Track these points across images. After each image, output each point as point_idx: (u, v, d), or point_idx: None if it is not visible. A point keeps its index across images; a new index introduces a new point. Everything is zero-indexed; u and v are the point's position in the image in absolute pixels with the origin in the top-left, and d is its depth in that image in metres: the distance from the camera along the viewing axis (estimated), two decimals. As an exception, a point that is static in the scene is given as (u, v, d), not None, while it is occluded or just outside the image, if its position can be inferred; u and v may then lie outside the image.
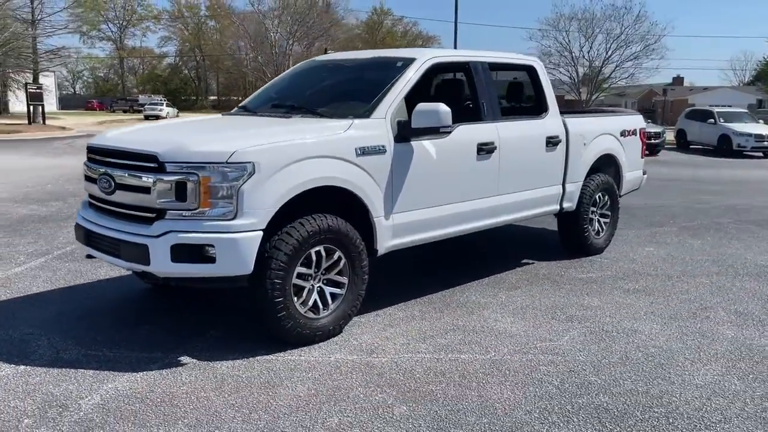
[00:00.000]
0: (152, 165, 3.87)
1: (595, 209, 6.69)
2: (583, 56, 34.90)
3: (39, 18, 32.77)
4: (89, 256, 4.47)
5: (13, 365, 3.81)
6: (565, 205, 6.26)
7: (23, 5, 31.36)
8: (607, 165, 6.86)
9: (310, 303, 4.20)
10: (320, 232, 4.10)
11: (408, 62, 4.95)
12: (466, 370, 3.83)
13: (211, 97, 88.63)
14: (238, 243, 3.78)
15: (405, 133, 4.54)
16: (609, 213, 6.89)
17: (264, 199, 3.85)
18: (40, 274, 5.71)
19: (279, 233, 3.97)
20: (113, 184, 4.09)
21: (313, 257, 4.15)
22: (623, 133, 6.93)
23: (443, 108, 4.51)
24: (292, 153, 4.00)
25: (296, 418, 3.22)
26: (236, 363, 3.88)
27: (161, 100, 54.03)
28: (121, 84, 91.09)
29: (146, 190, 3.89)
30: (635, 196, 9.00)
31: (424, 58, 5.00)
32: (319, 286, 4.26)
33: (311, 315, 4.19)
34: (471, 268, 6.08)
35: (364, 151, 4.33)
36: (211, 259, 3.78)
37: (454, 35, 30.66)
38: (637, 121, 7.25)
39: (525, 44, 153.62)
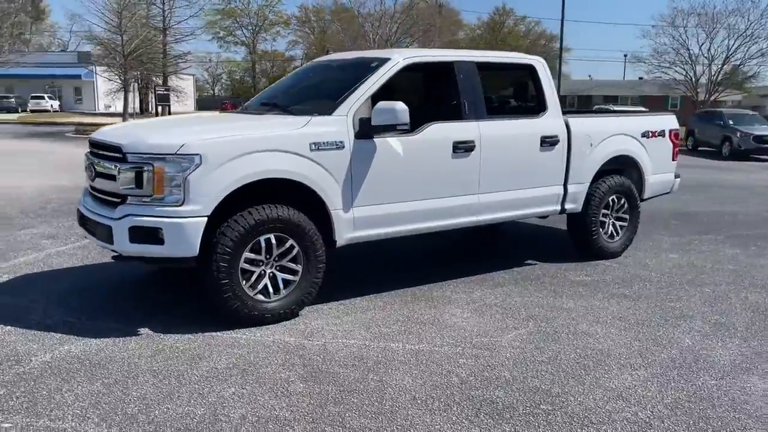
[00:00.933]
0: (118, 155, 4.37)
1: (608, 212, 6.50)
2: (702, 54, 32.61)
3: (168, 26, 35.74)
4: (85, 237, 5.07)
5: (2, 325, 4.44)
6: (568, 206, 6.15)
7: (156, 14, 34.35)
8: (626, 167, 6.64)
9: (260, 287, 4.51)
10: (269, 221, 4.41)
11: (382, 63, 5.14)
12: (384, 357, 3.99)
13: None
14: (183, 227, 4.18)
15: (366, 130, 4.74)
16: (626, 217, 6.66)
17: (209, 188, 4.21)
18: (78, 252, 6.44)
19: (228, 221, 4.32)
20: (94, 172, 4.63)
21: (263, 244, 4.46)
22: (646, 135, 6.66)
23: (400, 106, 4.66)
24: (239, 147, 4.34)
25: (198, 387, 3.55)
26: (183, 337, 4.28)
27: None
28: (253, 86, 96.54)
29: (113, 177, 4.39)
30: (702, 203, 8.57)
31: (397, 59, 5.16)
32: (272, 272, 4.57)
33: (261, 298, 4.51)
34: (464, 266, 6.14)
35: (318, 146, 4.59)
36: (162, 241, 4.21)
37: (560, 33, 29.87)
38: (664, 122, 6.93)
39: (637, 42, 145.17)
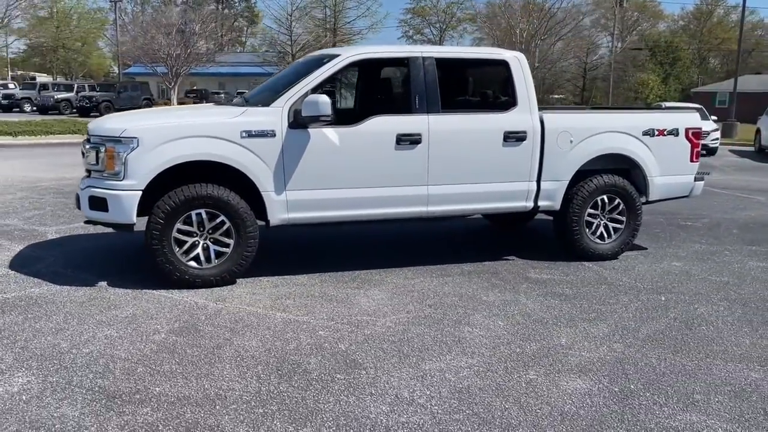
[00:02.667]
0: (88, 137, 5.30)
1: (597, 212, 6.27)
2: None
3: (338, 26, 38.09)
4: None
5: (6, 269, 5.59)
6: (543, 203, 6.07)
7: (328, 16, 36.83)
8: (632, 167, 6.34)
9: (192, 255, 5.19)
10: (198, 198, 5.07)
11: (330, 59, 5.55)
12: (258, 323, 4.46)
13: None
14: (120, 198, 4.99)
15: (300, 120, 5.20)
16: (622, 219, 6.36)
17: (144, 167, 4.97)
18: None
19: (163, 196, 5.06)
20: (82, 152, 5.63)
21: (194, 218, 5.13)
22: (649, 133, 6.30)
23: (322, 99, 5.07)
24: (172, 132, 5.05)
25: (87, 327, 4.31)
26: (124, 291, 5.09)
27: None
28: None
29: (84, 155, 5.34)
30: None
31: (346, 56, 5.54)
32: (206, 244, 5.23)
33: (193, 265, 5.19)
34: (438, 256, 6.31)
35: (249, 134, 5.15)
36: (107, 209, 5.06)
37: (741, 18, 27.12)
38: (678, 120, 6.46)
39: None
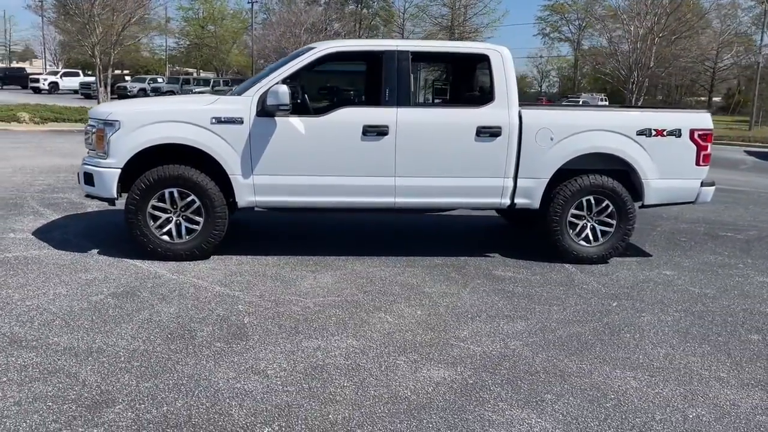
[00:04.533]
0: (89, 120, 5.96)
1: (582, 213, 6.05)
2: None
3: (456, 24, 38.09)
4: None
5: (28, 233, 6.41)
6: (520, 201, 5.96)
7: (445, 14, 36.97)
8: (620, 167, 6.07)
9: (165, 230, 5.68)
10: (170, 177, 5.55)
11: (305, 51, 5.83)
12: (191, 294, 4.84)
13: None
14: (102, 174, 5.57)
15: (266, 109, 5.52)
16: (612, 221, 6.09)
17: (124, 147, 5.52)
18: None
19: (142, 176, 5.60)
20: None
21: (167, 196, 5.62)
22: (645, 133, 5.97)
23: (282, 89, 5.35)
24: (150, 117, 5.56)
25: (45, 285, 4.90)
26: (104, 258, 5.69)
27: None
28: (574, 83, 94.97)
29: (84, 135, 6.00)
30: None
31: (319, 49, 5.79)
32: (179, 220, 5.70)
33: (166, 239, 5.68)
34: (420, 248, 6.38)
35: (219, 121, 5.55)
36: (94, 184, 5.68)
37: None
38: (682, 120, 6.06)
39: None
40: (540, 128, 5.83)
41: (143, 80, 43.16)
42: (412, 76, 5.78)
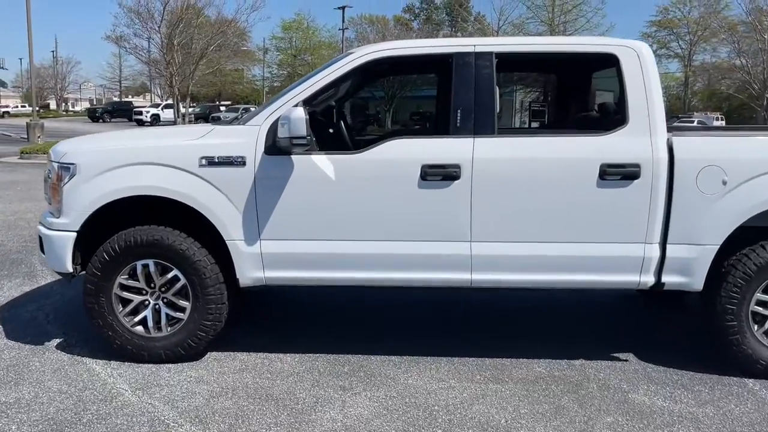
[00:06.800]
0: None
1: (774, 299, 3.81)
2: None
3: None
4: None
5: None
6: (670, 279, 3.79)
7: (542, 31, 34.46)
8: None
9: (139, 318, 3.96)
10: (143, 244, 3.83)
11: (340, 59, 3.99)
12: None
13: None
14: (52, 240, 3.93)
15: (278, 144, 3.69)
16: (824, 312, 3.79)
17: (80, 201, 3.86)
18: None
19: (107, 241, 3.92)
20: None
21: (140, 270, 3.90)
22: None
23: (296, 114, 3.52)
24: (116, 158, 3.87)
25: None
26: (56, 357, 4.04)
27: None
28: (684, 102, 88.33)
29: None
30: None
31: (360, 54, 3.92)
32: (157, 305, 3.96)
33: (140, 331, 3.96)
34: (491, 340, 4.32)
35: (211, 162, 3.78)
36: (44, 251, 4.05)
37: None
38: None
39: None
40: (705, 165, 3.66)
41: (236, 110, 43.41)
42: (497, 89, 3.80)
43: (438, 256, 3.79)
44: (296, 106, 3.61)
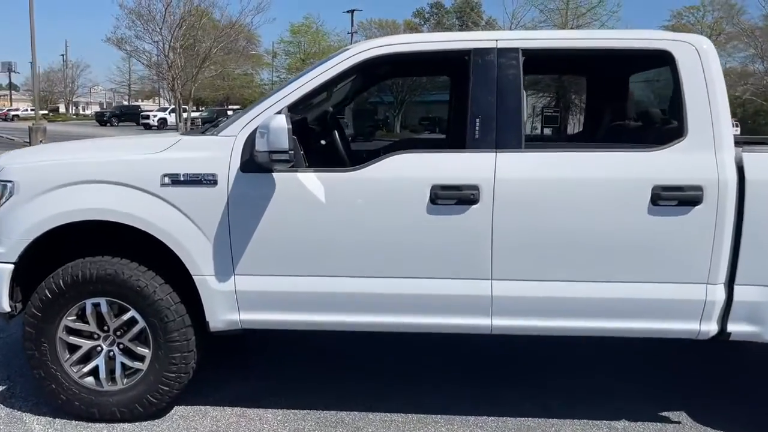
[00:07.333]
0: None
1: None
2: None
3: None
4: None
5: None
6: (738, 327, 3.07)
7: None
8: None
9: (89, 368, 3.29)
10: (91, 280, 3.16)
11: (335, 56, 3.30)
12: None
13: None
14: (-16, 273, 3.26)
15: (255, 158, 3.01)
16: None
17: (17, 227, 3.20)
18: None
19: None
20: None
21: (89, 310, 3.23)
22: None
23: (276, 123, 2.83)
24: (62, 174, 3.20)
25: None
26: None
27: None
28: None
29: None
30: None
31: (359, 49, 3.24)
32: (112, 351, 3.29)
33: (90, 383, 3.29)
34: (534, 386, 3.62)
35: (174, 180, 3.11)
36: (-23, 286, 3.38)
37: None
38: None
39: None
40: (786, 187, 2.94)
41: (244, 114, 42.93)
42: (524, 94, 3.10)
43: (450, 297, 3.10)
44: (279, 112, 2.93)
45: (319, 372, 3.94)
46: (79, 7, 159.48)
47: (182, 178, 3.10)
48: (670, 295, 3.04)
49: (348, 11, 46.49)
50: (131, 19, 24.61)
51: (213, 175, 3.09)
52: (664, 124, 3.56)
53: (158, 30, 21.39)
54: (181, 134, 3.50)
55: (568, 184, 3.01)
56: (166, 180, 3.10)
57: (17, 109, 69.61)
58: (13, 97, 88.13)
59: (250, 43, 43.67)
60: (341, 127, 3.82)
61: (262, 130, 2.87)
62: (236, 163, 3.09)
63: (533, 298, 3.08)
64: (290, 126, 2.83)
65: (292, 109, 3.14)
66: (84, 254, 3.25)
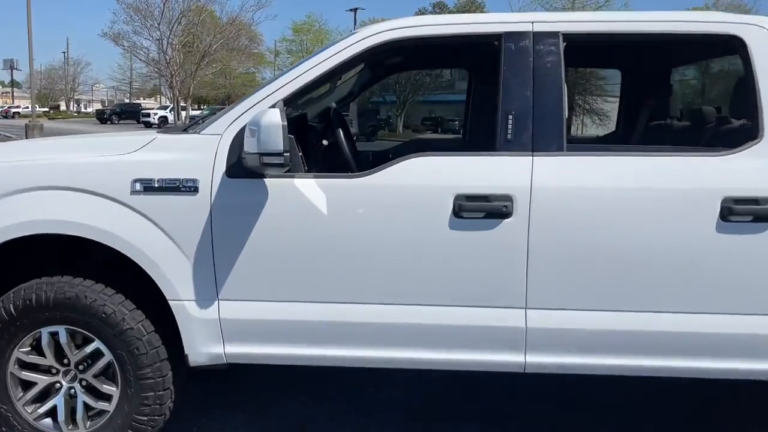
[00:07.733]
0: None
1: None
2: None
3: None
4: None
5: None
6: (823, 365, 2.56)
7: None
8: None
9: (46, 408, 2.78)
10: (48, 305, 2.66)
11: (338, 42, 2.79)
12: None
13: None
14: (-77, 295, 2.76)
15: (243, 162, 2.49)
16: None
17: (-37, 240, 2.69)
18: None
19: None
20: None
21: (45, 341, 2.72)
22: None
23: (269, 119, 2.33)
24: (13, 178, 2.70)
25: None
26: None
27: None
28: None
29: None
30: None
31: (366, 33, 2.73)
32: (71, 389, 2.78)
33: (47, 426, 2.80)
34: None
35: (147, 187, 2.60)
36: None
37: None
38: None
39: None
40: None
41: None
42: (565, 86, 2.59)
43: (476, 329, 2.59)
44: (273, 107, 2.42)
45: (313, 411, 3.42)
46: (82, 5, 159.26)
47: (156, 185, 2.59)
48: (740, 329, 2.54)
49: (351, 9, 45.97)
50: (129, 14, 24.17)
51: (193, 180, 2.58)
52: (720, 124, 3.06)
53: (156, 26, 20.93)
54: (157, 132, 2.98)
55: (617, 195, 2.50)
56: (138, 186, 2.59)
57: (18, 107, 69.26)
58: (15, 94, 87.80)
59: (252, 42, 43.19)
60: (346, 126, 3.31)
61: (252, 128, 2.36)
62: (221, 166, 2.58)
63: (576, 331, 2.57)
64: (286, 123, 2.33)
65: (289, 103, 2.64)
66: (44, 274, 2.75)
